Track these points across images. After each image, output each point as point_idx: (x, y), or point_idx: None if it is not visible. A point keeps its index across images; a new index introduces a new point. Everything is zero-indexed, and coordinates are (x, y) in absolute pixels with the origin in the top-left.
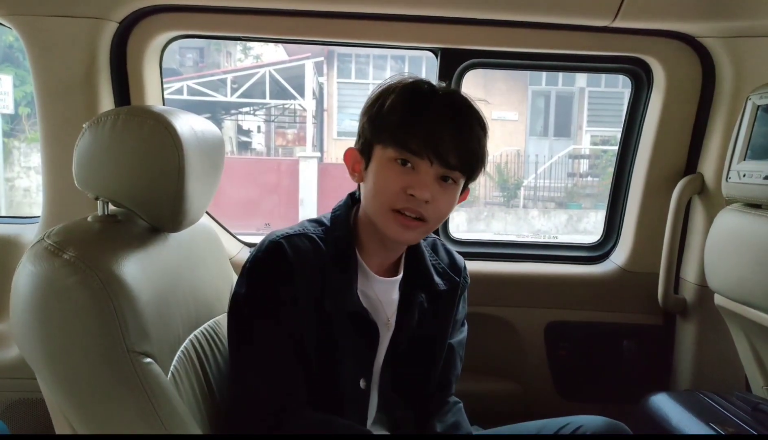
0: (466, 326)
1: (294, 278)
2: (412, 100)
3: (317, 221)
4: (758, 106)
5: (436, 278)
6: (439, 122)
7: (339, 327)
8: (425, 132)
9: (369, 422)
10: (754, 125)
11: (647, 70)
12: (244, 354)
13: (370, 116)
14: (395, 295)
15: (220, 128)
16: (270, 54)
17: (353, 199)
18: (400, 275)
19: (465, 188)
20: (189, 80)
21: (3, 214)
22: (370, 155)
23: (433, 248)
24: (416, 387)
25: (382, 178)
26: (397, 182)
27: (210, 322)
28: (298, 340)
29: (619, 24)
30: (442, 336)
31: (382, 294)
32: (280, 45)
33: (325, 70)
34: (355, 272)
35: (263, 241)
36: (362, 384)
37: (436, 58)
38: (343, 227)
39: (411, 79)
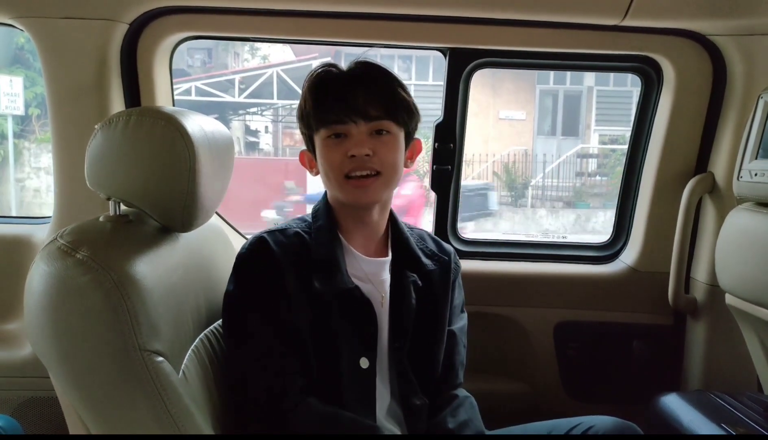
0: (465, 313)
1: (280, 269)
2: (319, 83)
3: (299, 218)
4: None
5: (424, 259)
6: (347, 86)
7: (333, 309)
8: (338, 100)
9: (383, 412)
10: (766, 123)
11: (657, 69)
12: (239, 349)
13: (299, 117)
14: (385, 275)
15: (228, 128)
16: (277, 54)
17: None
18: (389, 257)
19: (411, 140)
20: (197, 81)
21: (14, 214)
22: (314, 147)
23: (421, 237)
24: (423, 370)
25: (325, 156)
26: (337, 152)
27: (220, 321)
28: (292, 329)
29: (628, 22)
30: (441, 317)
31: (373, 275)
32: (287, 46)
33: None
34: (341, 253)
35: (247, 240)
36: (364, 363)
37: (445, 57)
38: (323, 216)
39: (312, 70)
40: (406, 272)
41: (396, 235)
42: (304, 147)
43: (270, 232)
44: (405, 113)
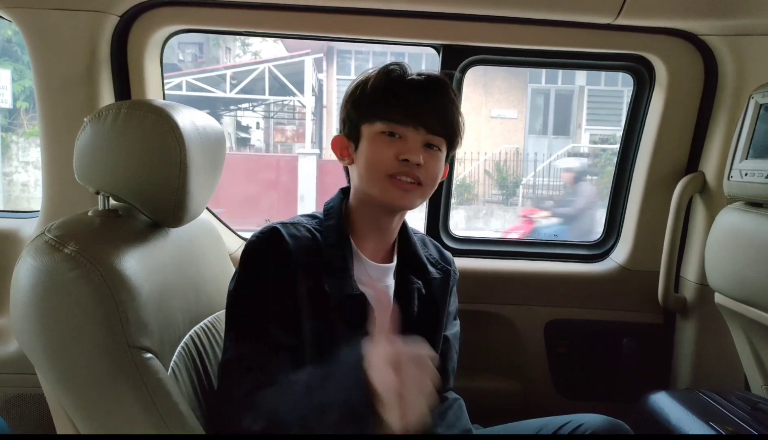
0: (458, 320)
1: (289, 262)
2: (391, 79)
3: (310, 215)
4: (761, 104)
5: (429, 267)
6: (418, 93)
7: (336, 311)
8: (408, 103)
9: None
10: (756, 123)
11: (649, 68)
12: (239, 333)
13: (353, 101)
14: (390, 281)
15: (219, 123)
16: (269, 50)
17: (344, 192)
18: (394, 262)
19: (445, 163)
20: (188, 76)
21: (1, 209)
22: (358, 136)
23: (423, 242)
24: None
25: (374, 150)
26: (389, 150)
27: (210, 317)
28: (292, 324)
29: (621, 21)
30: (440, 324)
31: (378, 280)
32: (279, 41)
33: (324, 67)
34: (350, 257)
35: (260, 229)
36: None
37: (438, 54)
38: (336, 215)
39: (386, 64)
40: (412, 279)
41: (404, 241)
42: (298, 144)
43: (283, 224)
44: (459, 136)
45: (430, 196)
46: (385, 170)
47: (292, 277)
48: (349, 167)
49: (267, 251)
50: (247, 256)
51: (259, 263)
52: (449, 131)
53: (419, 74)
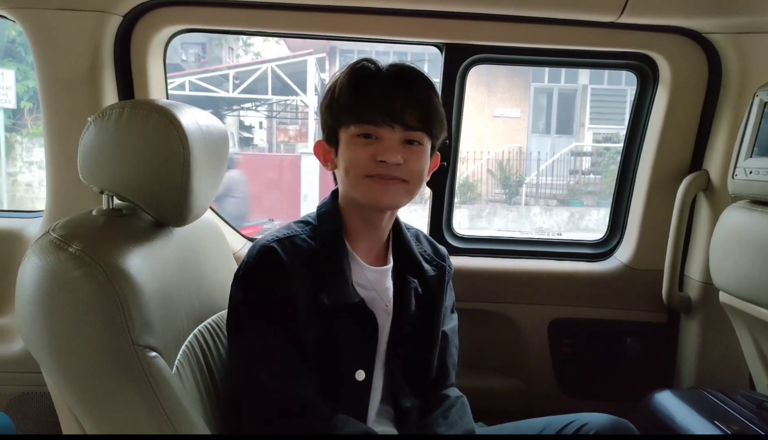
0: (455, 313)
1: (289, 280)
2: (360, 78)
3: (303, 222)
4: (765, 102)
5: (425, 265)
6: (389, 89)
7: (338, 321)
8: (379, 101)
9: (372, 415)
10: (760, 121)
11: (653, 67)
12: (251, 359)
13: (326, 106)
14: (388, 283)
15: (222, 123)
16: (272, 50)
17: (336, 194)
18: (391, 264)
19: (433, 154)
20: (191, 76)
21: (5, 208)
22: (337, 141)
23: (417, 238)
24: (418, 374)
25: (351, 152)
26: (365, 152)
27: (214, 317)
28: (301, 339)
29: (625, 20)
30: (437, 322)
31: (377, 283)
32: (282, 41)
33: (327, 67)
34: (347, 264)
35: (253, 247)
36: (360, 375)
37: (441, 53)
38: (330, 220)
39: (354, 62)
40: (408, 278)
41: (398, 241)
42: (301, 143)
43: (278, 240)
44: (439, 126)
45: (418, 193)
46: (363, 171)
47: (292, 293)
48: (334, 171)
49: (264, 272)
50: (245, 278)
51: (258, 285)
52: (428, 124)
53: (390, 67)
